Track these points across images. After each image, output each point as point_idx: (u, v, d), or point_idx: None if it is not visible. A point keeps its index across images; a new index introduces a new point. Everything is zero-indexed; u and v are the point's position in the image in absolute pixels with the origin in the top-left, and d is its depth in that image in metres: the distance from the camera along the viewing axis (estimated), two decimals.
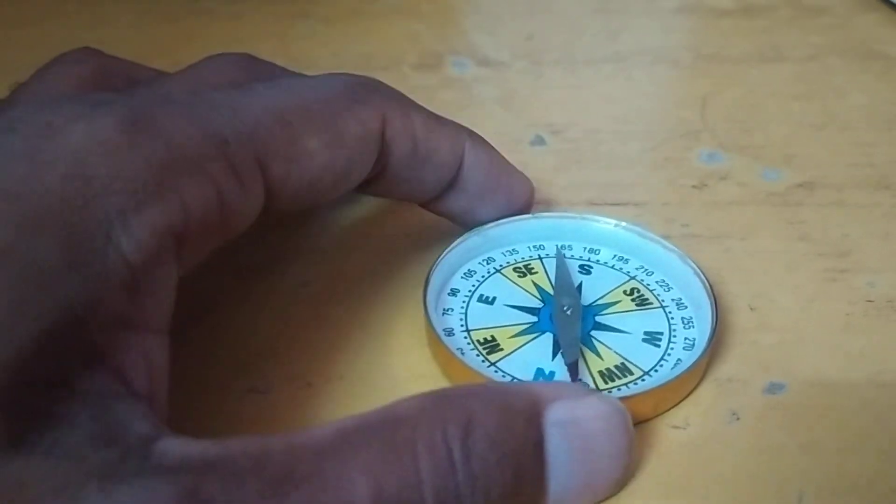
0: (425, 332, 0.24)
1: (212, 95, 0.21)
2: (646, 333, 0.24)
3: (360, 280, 0.26)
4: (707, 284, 0.25)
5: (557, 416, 0.19)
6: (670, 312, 0.25)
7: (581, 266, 0.26)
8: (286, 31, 0.39)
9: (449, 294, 0.25)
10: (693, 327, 0.24)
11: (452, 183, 0.25)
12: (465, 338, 0.24)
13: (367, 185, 0.24)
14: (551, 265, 0.26)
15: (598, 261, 0.26)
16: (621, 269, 0.26)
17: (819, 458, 0.21)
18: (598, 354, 0.24)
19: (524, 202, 0.27)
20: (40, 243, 0.17)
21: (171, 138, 0.19)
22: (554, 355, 0.23)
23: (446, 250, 0.25)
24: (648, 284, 0.26)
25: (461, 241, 0.26)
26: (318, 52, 0.37)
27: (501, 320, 0.24)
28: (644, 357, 0.23)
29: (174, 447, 0.16)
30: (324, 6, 0.41)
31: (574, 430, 0.19)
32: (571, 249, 0.27)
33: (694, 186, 0.30)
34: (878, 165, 0.31)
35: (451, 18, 0.40)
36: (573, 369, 0.23)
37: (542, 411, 0.19)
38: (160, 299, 0.19)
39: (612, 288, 0.26)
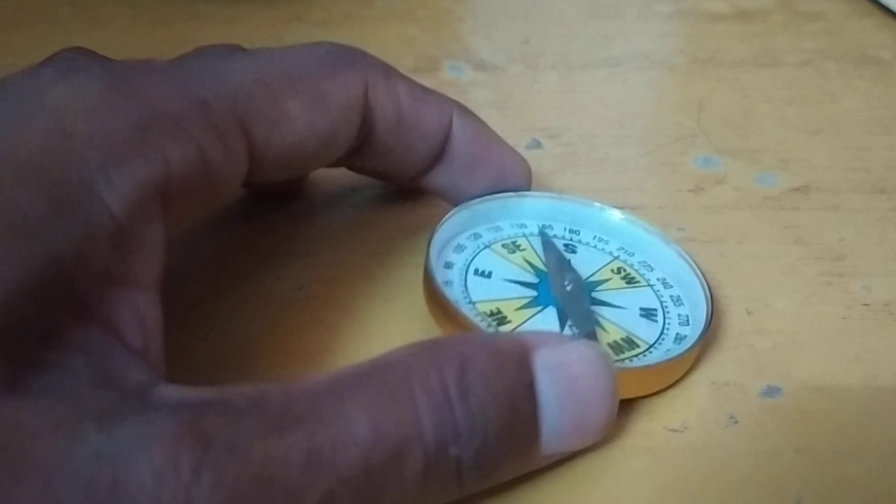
0: (430, 309, 0.24)
1: (191, 63, 0.21)
2: (641, 309, 0.25)
3: (356, 283, 0.26)
4: (692, 265, 0.25)
5: (545, 361, 0.19)
6: (658, 291, 0.25)
7: (566, 245, 0.26)
8: (281, 35, 0.39)
9: (445, 267, 0.25)
10: (683, 304, 0.25)
11: (440, 156, 0.25)
12: (472, 309, 0.23)
13: (355, 157, 0.24)
14: (536, 243, 0.26)
15: (580, 241, 0.27)
16: (603, 248, 0.26)
17: (815, 461, 0.21)
18: (603, 328, 0.24)
19: (517, 179, 0.26)
20: (23, 192, 0.17)
21: (150, 99, 0.19)
22: (561, 327, 0.23)
23: (439, 225, 0.25)
24: (632, 265, 0.26)
25: (451, 216, 0.25)
26: None
27: (503, 294, 0.24)
28: (646, 331, 0.24)
29: (171, 391, 0.17)
30: (319, 10, 0.41)
31: (561, 373, 0.19)
32: (553, 229, 0.27)
33: (690, 191, 0.30)
34: (873, 170, 0.31)
35: (447, 23, 0.40)
36: (592, 339, 0.23)
37: (530, 355, 0.19)
38: (148, 256, 0.19)
39: (600, 266, 0.26)
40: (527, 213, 0.27)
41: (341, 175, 0.29)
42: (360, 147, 0.24)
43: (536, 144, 0.33)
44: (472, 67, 0.37)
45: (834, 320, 0.25)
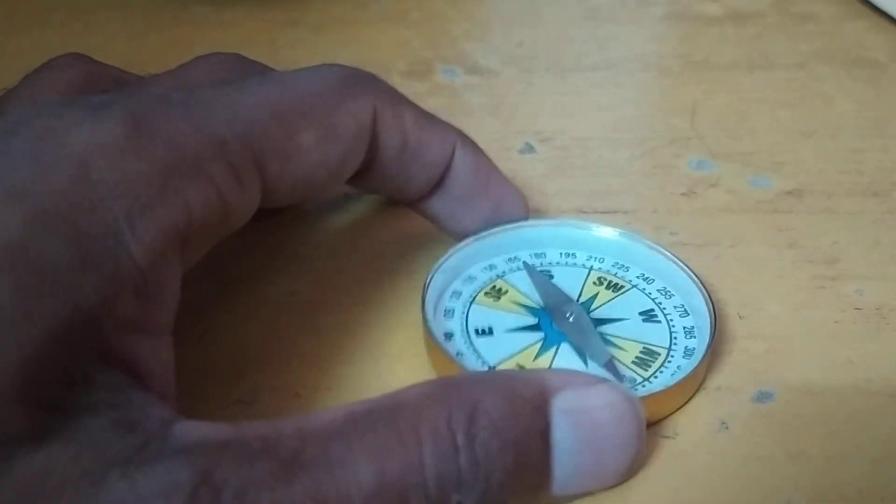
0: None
1: (207, 94, 0.21)
2: (640, 314, 0.25)
3: (350, 290, 0.26)
4: (666, 254, 0.25)
5: (565, 405, 0.19)
6: (644, 289, 0.25)
7: (540, 272, 0.26)
8: (276, 38, 0.39)
9: (447, 338, 0.24)
10: (673, 295, 0.25)
11: (439, 184, 0.25)
12: None
13: (356, 179, 0.24)
14: (514, 280, 0.26)
15: (549, 263, 0.26)
16: (574, 263, 0.26)
17: (807, 466, 0.21)
18: (619, 347, 0.24)
19: (513, 211, 0.26)
20: (51, 243, 0.17)
21: (171, 140, 0.19)
22: (584, 361, 0.23)
23: (425, 296, 0.24)
24: (608, 270, 0.26)
25: (429, 281, 0.24)
26: (307, 60, 0.37)
27: (514, 347, 0.24)
28: (656, 335, 0.24)
29: (191, 429, 0.17)
30: (313, 14, 0.41)
31: (581, 418, 0.19)
32: (519, 260, 0.26)
33: (683, 194, 0.30)
34: (866, 172, 0.31)
35: (441, 26, 0.40)
36: (611, 368, 0.23)
37: (549, 399, 0.19)
38: (166, 300, 0.19)
39: (582, 283, 0.26)
40: (490, 252, 0.26)
41: None
42: (362, 171, 0.24)
43: (530, 148, 0.33)
44: (465, 71, 0.37)
45: (826, 324, 0.25)
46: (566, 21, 0.41)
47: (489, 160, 0.26)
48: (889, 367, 0.24)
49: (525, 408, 0.19)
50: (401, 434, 0.17)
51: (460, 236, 0.26)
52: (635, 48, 0.39)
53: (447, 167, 0.25)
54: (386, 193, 0.26)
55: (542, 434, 0.19)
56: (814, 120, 0.34)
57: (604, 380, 0.20)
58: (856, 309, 0.26)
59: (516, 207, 0.26)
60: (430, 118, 0.25)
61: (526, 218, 0.26)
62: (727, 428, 0.22)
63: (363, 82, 0.23)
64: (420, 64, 0.37)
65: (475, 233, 0.26)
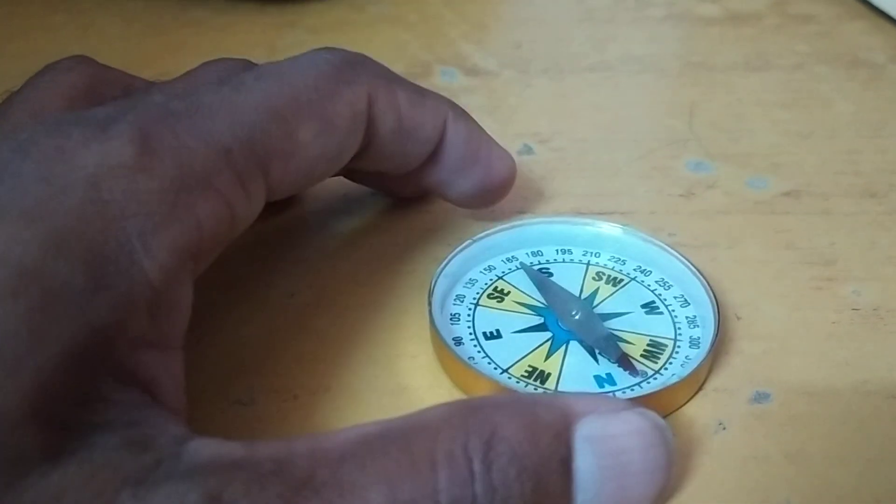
0: (469, 389, 0.23)
1: (207, 99, 0.21)
2: (643, 306, 0.25)
3: (348, 291, 0.26)
4: (662, 246, 0.26)
5: (588, 432, 0.18)
6: (642, 281, 0.26)
7: (540, 270, 0.26)
8: (274, 41, 0.39)
9: (457, 345, 0.24)
10: (673, 285, 0.25)
11: (433, 155, 0.25)
12: (510, 377, 0.23)
13: (352, 161, 0.24)
14: (514, 280, 0.26)
15: (547, 261, 0.26)
16: (572, 260, 0.27)
17: (805, 467, 0.21)
18: (627, 341, 0.24)
19: (503, 177, 0.27)
20: (65, 264, 0.17)
21: (178, 156, 0.19)
22: (594, 357, 0.23)
23: (431, 302, 0.24)
24: (605, 265, 0.26)
25: (434, 287, 0.24)
26: None
27: (524, 348, 0.24)
28: (661, 327, 0.24)
29: (204, 448, 0.17)
30: (312, 16, 0.41)
31: (606, 446, 0.18)
32: (517, 260, 0.26)
33: (681, 195, 0.30)
34: (864, 173, 0.32)
35: (439, 28, 0.40)
36: (625, 363, 0.23)
37: (571, 425, 0.18)
38: (178, 316, 0.19)
39: (582, 279, 0.26)
40: (488, 253, 0.26)
41: (333, 183, 0.29)
42: (358, 153, 0.24)
43: (528, 150, 0.33)
44: (463, 72, 0.37)
45: (824, 325, 0.25)
46: (564, 23, 0.41)
47: (478, 126, 0.26)
48: (886, 368, 0.24)
49: (545, 434, 0.18)
50: (415, 458, 0.17)
51: (454, 201, 0.27)
52: (633, 50, 0.39)
53: (440, 140, 0.25)
54: (379, 171, 0.26)
55: (563, 461, 0.18)
56: (812, 121, 0.34)
57: (631, 406, 0.19)
58: (853, 310, 0.26)
59: (505, 171, 0.27)
60: (421, 94, 0.25)
61: (513, 177, 0.27)
62: (725, 428, 0.22)
63: (356, 67, 0.23)
64: (418, 66, 0.37)
65: (472, 235, 0.26)
